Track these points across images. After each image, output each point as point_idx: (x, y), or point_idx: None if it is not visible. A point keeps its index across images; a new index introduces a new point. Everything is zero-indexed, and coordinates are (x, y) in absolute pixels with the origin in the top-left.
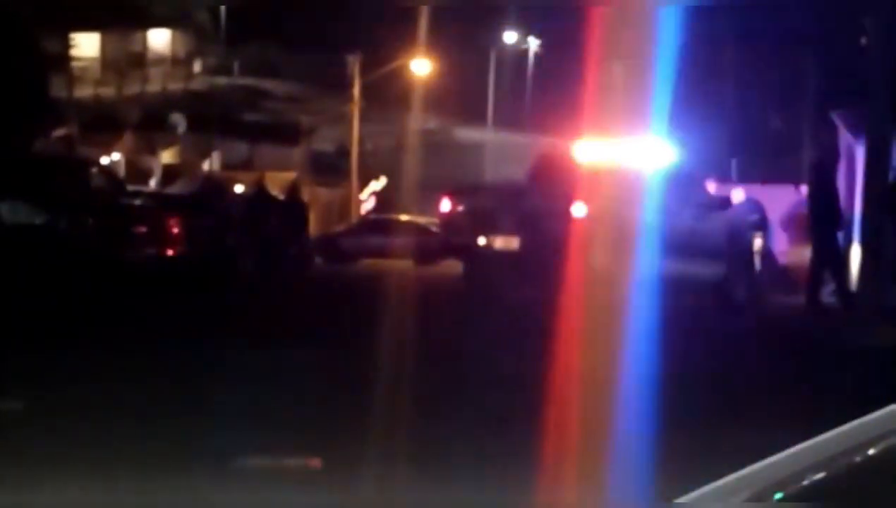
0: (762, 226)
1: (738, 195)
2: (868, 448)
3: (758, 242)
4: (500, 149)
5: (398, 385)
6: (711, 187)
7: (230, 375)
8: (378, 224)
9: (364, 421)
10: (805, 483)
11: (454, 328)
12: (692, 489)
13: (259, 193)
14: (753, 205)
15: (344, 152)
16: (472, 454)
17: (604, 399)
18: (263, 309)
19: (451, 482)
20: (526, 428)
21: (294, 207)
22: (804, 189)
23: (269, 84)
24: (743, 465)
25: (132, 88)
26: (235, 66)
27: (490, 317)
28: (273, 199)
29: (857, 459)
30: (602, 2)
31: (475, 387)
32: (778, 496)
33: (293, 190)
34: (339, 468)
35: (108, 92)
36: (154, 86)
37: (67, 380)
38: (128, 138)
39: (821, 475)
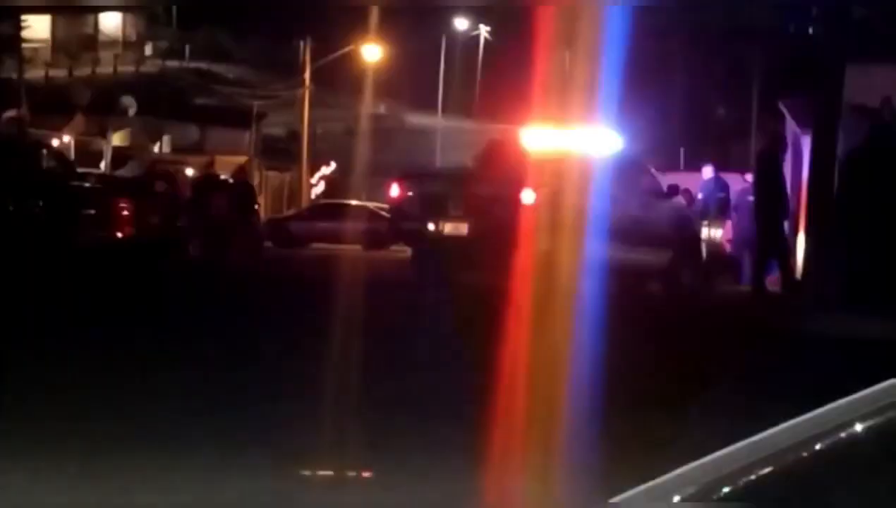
0: (727, 203)
1: (707, 172)
2: (815, 444)
3: (704, 230)
4: (449, 135)
5: (345, 369)
6: (659, 175)
7: (178, 359)
8: (328, 208)
9: (311, 406)
10: (745, 481)
11: (401, 312)
12: (632, 483)
13: (207, 176)
14: (720, 183)
15: (294, 136)
16: (420, 440)
17: (551, 385)
18: (212, 292)
19: (395, 467)
20: (473, 413)
21: (241, 189)
22: (750, 177)
23: (220, 68)
24: (686, 456)
25: (83, 70)
26: (187, 49)
27: (438, 302)
28: (221, 182)
29: (804, 454)
30: None
31: (422, 371)
32: (721, 493)
33: (240, 172)
34: (290, 455)
35: (58, 74)
36: (105, 69)
37: (14, 364)
38: (78, 120)
39: (762, 472)
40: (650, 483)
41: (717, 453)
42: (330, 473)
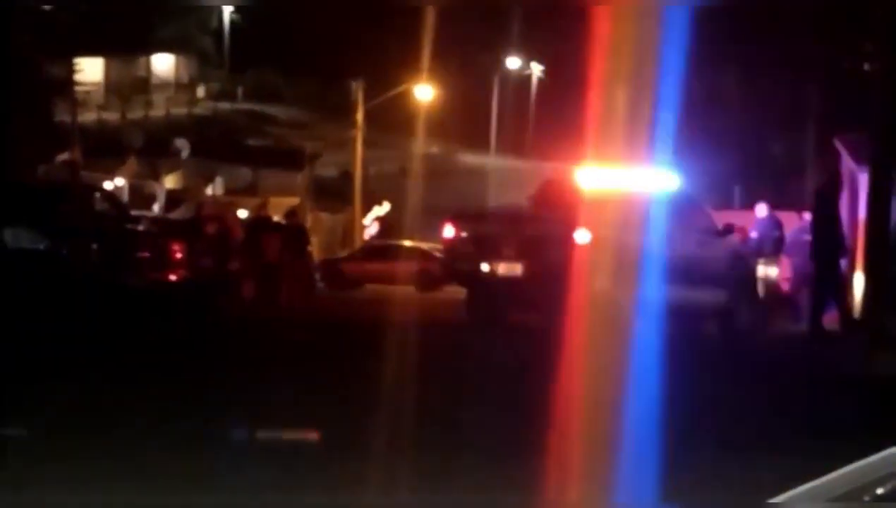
0: (782, 241)
1: (761, 210)
2: None
3: (760, 269)
4: (503, 175)
5: (402, 409)
6: (715, 214)
7: (235, 398)
8: (381, 249)
9: (368, 445)
10: (890, 487)
11: (457, 353)
12: None
13: (259, 217)
14: (775, 221)
15: (347, 177)
16: (475, 483)
17: (608, 425)
18: (265, 333)
19: None
20: (530, 456)
21: (293, 231)
22: (807, 215)
23: (272, 109)
24: (750, 491)
25: (136, 113)
26: (239, 91)
27: (494, 343)
28: (274, 224)
29: None
30: (605, 28)
31: (478, 412)
32: (874, 494)
33: (292, 214)
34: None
35: (111, 116)
36: (158, 111)
37: (71, 407)
38: (131, 163)
39: None
40: (807, 486)
41: (862, 461)
42: None
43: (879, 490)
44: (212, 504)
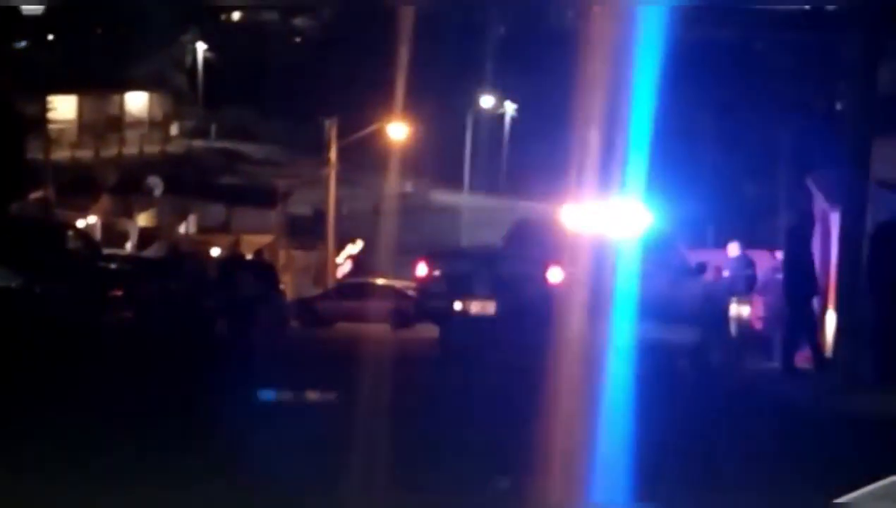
0: (754, 280)
1: (733, 249)
2: None
3: (733, 307)
4: (476, 213)
5: (374, 448)
6: (688, 252)
7: (207, 437)
8: (354, 288)
9: (342, 485)
10: None
11: (430, 392)
12: None
13: (232, 255)
14: (747, 260)
15: (320, 216)
16: None
17: (581, 464)
18: (240, 371)
19: None
20: (504, 495)
21: (262, 268)
22: (779, 254)
23: (245, 147)
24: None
25: (109, 151)
26: (213, 129)
27: (466, 382)
28: (247, 262)
29: None
30: (578, 68)
31: (450, 453)
32: None
33: (259, 252)
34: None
35: (84, 154)
36: (131, 149)
37: (41, 445)
38: (104, 201)
39: None
40: (873, 486)
41: None
42: None
43: None
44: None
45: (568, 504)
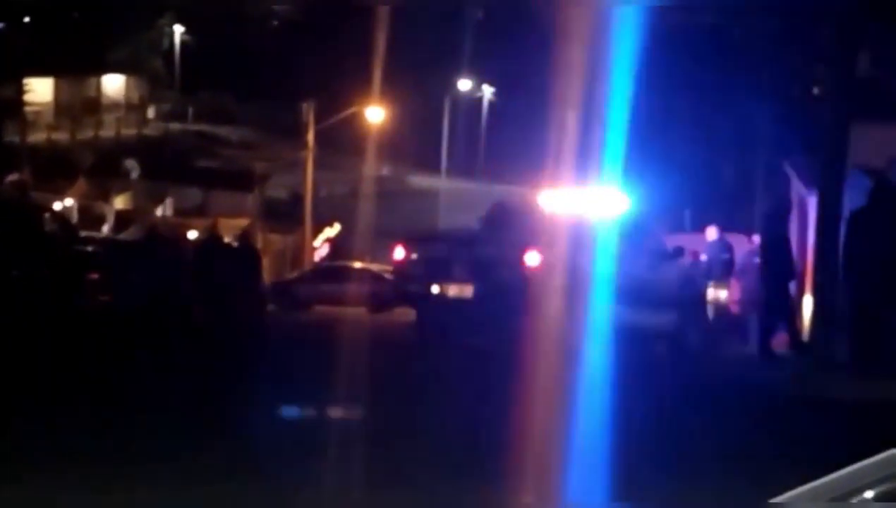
0: (732, 264)
1: (711, 233)
2: None
3: (710, 291)
4: (453, 197)
5: (352, 431)
6: (665, 236)
7: (185, 421)
8: (332, 271)
9: (319, 469)
10: (888, 487)
11: (405, 375)
12: None
13: (211, 239)
14: (725, 244)
15: (297, 199)
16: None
17: (557, 446)
18: (217, 355)
19: None
20: (477, 475)
21: (246, 253)
22: (756, 238)
23: (222, 130)
24: None
25: (85, 134)
26: (189, 112)
27: (443, 365)
28: (225, 245)
29: None
30: (556, 52)
31: (426, 434)
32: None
33: (245, 236)
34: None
35: (61, 137)
36: (108, 132)
37: (18, 430)
38: (81, 184)
39: None
40: (806, 486)
41: (858, 464)
42: None
43: (875, 491)
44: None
45: (545, 495)
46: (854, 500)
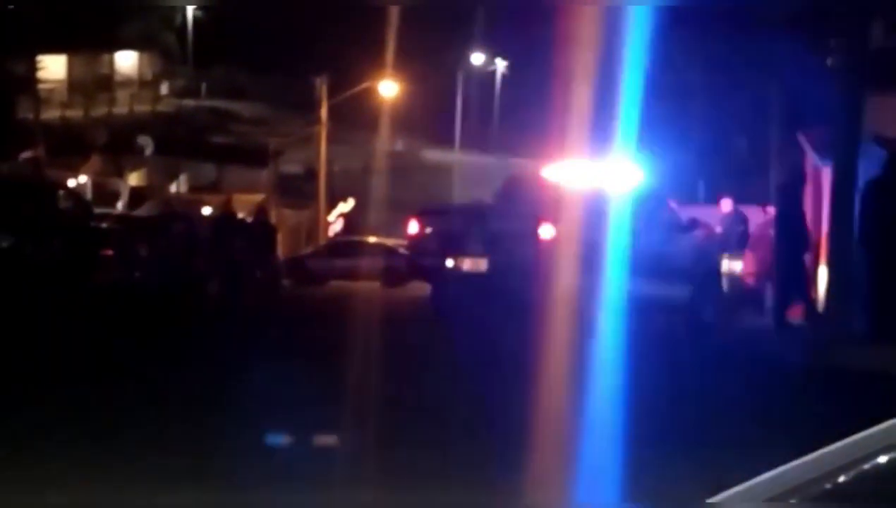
0: (747, 235)
1: (725, 205)
2: (877, 457)
3: (725, 263)
4: (467, 171)
5: (367, 406)
6: (679, 208)
7: (201, 397)
8: (346, 246)
9: (335, 442)
10: (822, 487)
11: (421, 349)
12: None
13: (226, 215)
14: (739, 215)
15: (311, 174)
16: (441, 475)
17: (574, 421)
18: (231, 331)
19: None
20: (493, 453)
21: (262, 229)
22: (771, 210)
23: (236, 106)
24: (714, 486)
25: (99, 110)
26: (203, 88)
27: (458, 339)
28: (240, 222)
29: (866, 467)
30: (569, 24)
31: (443, 407)
32: (809, 493)
33: (261, 212)
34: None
35: (75, 114)
36: (121, 109)
37: (34, 406)
38: (95, 161)
39: (837, 480)
40: (743, 486)
41: (801, 459)
42: None
43: (814, 490)
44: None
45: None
46: (792, 500)
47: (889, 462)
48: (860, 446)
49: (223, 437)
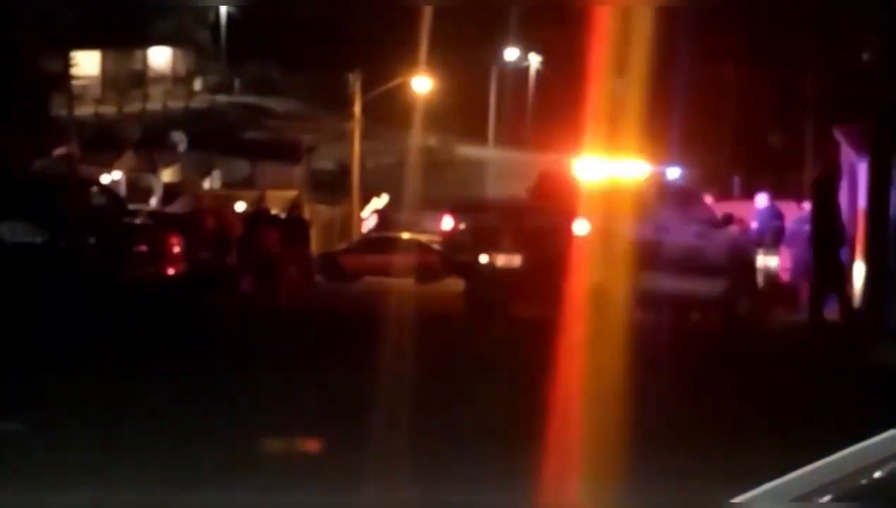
0: (782, 231)
1: (761, 200)
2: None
3: (760, 259)
4: (501, 166)
5: (398, 403)
6: (714, 204)
7: (232, 394)
8: (379, 242)
9: (367, 440)
10: (849, 486)
11: (455, 346)
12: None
13: (258, 211)
14: (775, 211)
15: (345, 170)
16: (472, 470)
17: (607, 416)
18: (265, 327)
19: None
20: (526, 449)
21: (295, 225)
22: (807, 205)
23: (269, 102)
24: (748, 483)
25: (133, 107)
26: (236, 83)
27: (492, 336)
28: (273, 218)
29: None
30: (604, 20)
31: (475, 403)
32: (833, 494)
33: (294, 208)
34: (346, 485)
35: (108, 110)
36: (155, 105)
37: (68, 401)
38: (129, 157)
39: (866, 478)
40: (767, 486)
41: (826, 459)
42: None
43: (838, 491)
44: (212, 502)
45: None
46: (820, 500)
47: None
48: (890, 444)
49: (256, 435)
